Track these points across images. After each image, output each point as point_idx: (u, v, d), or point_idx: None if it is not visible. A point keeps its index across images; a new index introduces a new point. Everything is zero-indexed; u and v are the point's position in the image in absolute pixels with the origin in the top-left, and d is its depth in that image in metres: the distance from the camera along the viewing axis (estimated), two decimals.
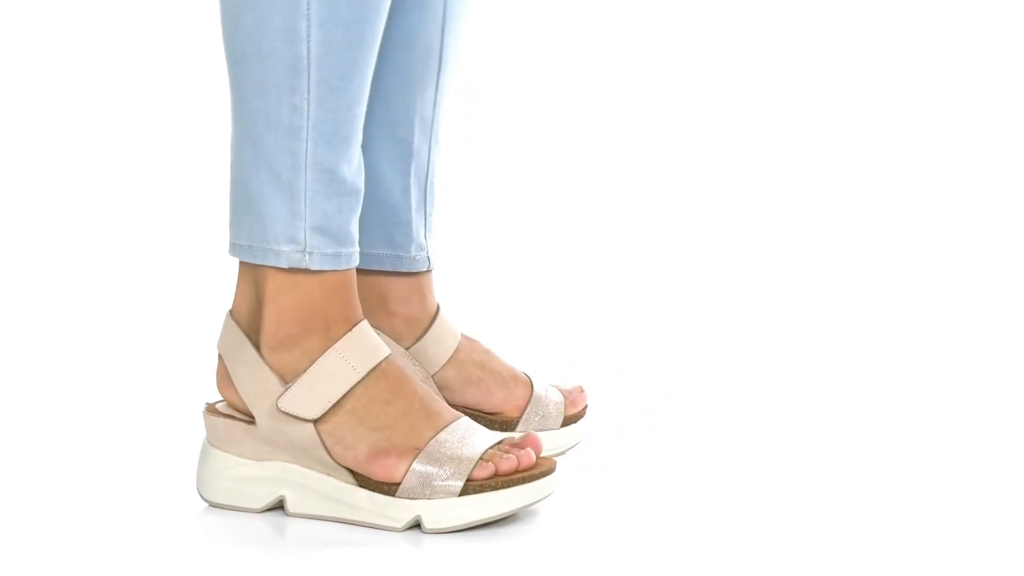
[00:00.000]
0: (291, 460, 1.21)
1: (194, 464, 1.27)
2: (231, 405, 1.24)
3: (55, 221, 2.24)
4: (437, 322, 1.35)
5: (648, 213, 2.28)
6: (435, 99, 1.33)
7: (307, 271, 1.20)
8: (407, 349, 1.34)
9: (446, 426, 1.20)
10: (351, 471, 1.20)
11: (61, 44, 2.31)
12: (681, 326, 1.96)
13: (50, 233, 2.22)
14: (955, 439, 1.48)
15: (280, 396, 1.20)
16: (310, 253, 1.19)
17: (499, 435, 1.22)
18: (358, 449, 1.20)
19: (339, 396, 1.20)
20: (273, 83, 1.17)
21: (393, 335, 1.34)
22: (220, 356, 1.24)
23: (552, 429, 1.36)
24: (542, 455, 1.23)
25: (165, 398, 1.60)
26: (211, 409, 1.25)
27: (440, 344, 1.35)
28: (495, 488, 1.18)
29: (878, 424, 1.53)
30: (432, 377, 1.34)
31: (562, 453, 1.38)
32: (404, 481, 1.18)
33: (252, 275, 1.22)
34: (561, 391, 1.40)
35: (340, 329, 1.21)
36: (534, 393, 1.37)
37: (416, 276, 1.35)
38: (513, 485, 1.19)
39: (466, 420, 1.22)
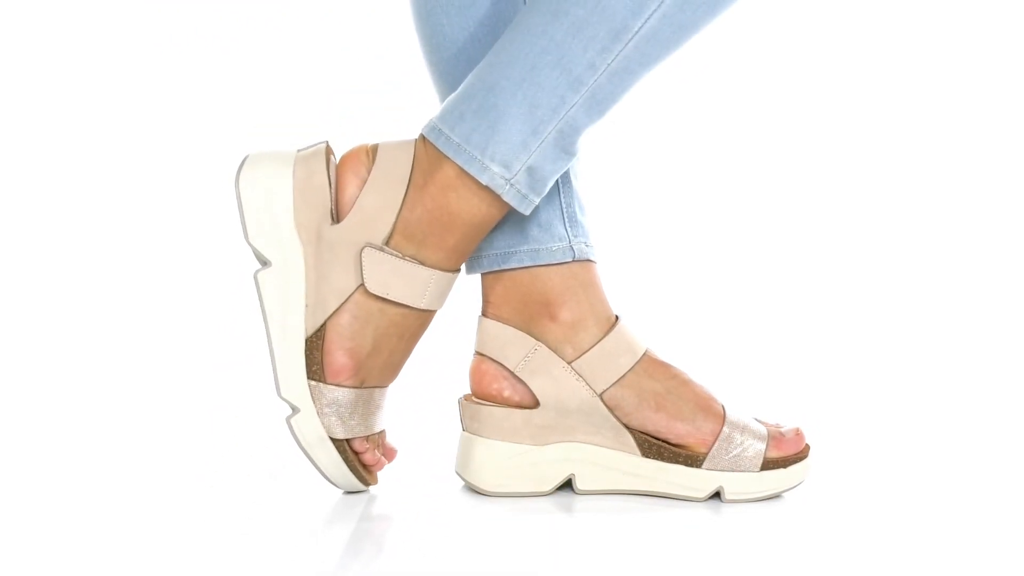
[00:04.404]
0: (311, 260, 1.22)
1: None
2: (337, 183, 1.23)
3: (57, 221, 2.24)
4: (609, 336, 1.28)
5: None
6: None
7: (490, 193, 1.22)
8: (570, 363, 1.27)
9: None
10: (312, 330, 1.22)
11: (61, 44, 2.31)
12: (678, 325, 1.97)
13: (52, 233, 2.22)
14: (955, 439, 1.48)
15: (372, 249, 1.22)
16: (511, 185, 1.22)
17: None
18: (348, 335, 1.22)
19: (400, 301, 1.22)
20: (590, 34, 1.20)
21: (554, 344, 1.28)
22: (375, 151, 1.24)
23: (748, 471, 1.27)
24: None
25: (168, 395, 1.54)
26: (328, 155, 1.24)
27: (610, 361, 1.27)
28: None
29: (879, 425, 1.54)
30: (600, 396, 1.27)
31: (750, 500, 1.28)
32: (330, 390, 1.22)
33: (432, 155, 1.23)
34: (769, 429, 1.29)
35: (455, 263, 1.24)
36: (723, 430, 1.27)
37: (568, 271, 1.29)
38: None
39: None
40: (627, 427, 1.27)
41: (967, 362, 1.85)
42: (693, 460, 1.27)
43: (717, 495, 1.27)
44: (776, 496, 1.28)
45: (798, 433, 1.29)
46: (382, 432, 1.28)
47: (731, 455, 1.27)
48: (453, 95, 1.24)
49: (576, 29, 1.20)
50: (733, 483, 1.27)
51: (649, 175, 2.33)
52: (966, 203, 2.30)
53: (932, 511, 1.26)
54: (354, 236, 1.23)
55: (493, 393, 1.29)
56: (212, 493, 1.28)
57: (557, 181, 1.30)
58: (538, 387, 1.28)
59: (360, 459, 1.26)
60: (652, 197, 2.31)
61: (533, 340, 1.28)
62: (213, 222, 2.15)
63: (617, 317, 1.30)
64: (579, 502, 1.27)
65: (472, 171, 1.21)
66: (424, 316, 1.25)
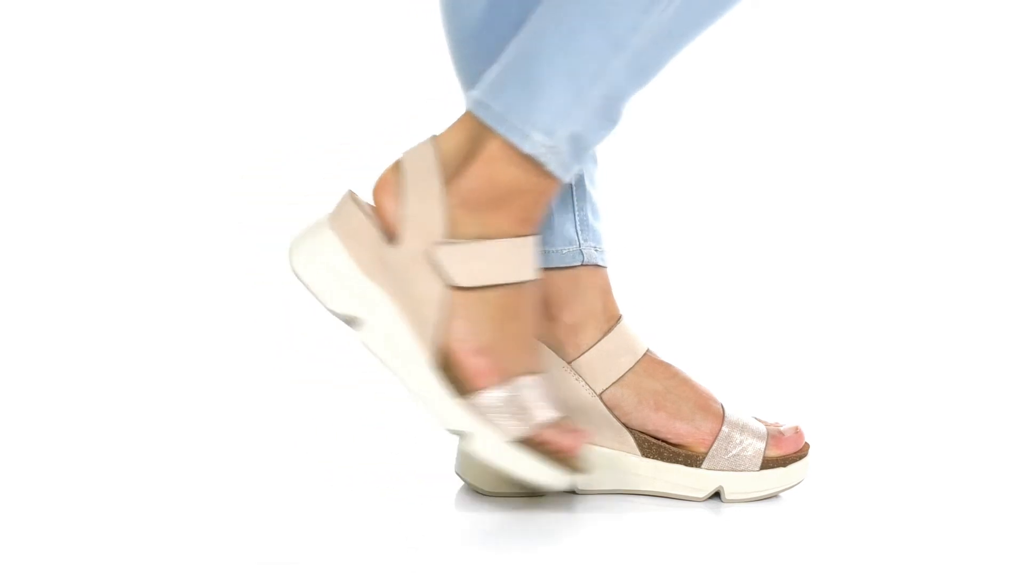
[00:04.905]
0: (390, 291, 1.18)
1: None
2: (378, 210, 1.21)
3: (59, 220, 2.24)
4: (610, 336, 1.28)
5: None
6: None
7: (536, 167, 1.19)
8: (570, 363, 1.28)
9: (536, 372, 1.21)
10: (431, 353, 1.19)
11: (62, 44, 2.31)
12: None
13: (55, 232, 2.22)
14: (955, 438, 1.48)
15: (441, 246, 1.18)
16: (555, 153, 1.19)
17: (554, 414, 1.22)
18: (468, 337, 1.19)
19: (493, 283, 1.19)
20: None
21: (555, 344, 1.28)
22: (398, 165, 1.22)
23: (747, 471, 1.27)
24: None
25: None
26: (355, 198, 1.21)
27: (609, 360, 1.27)
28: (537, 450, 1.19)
29: (879, 423, 1.53)
30: (600, 395, 1.27)
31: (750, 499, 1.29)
32: (483, 396, 1.18)
33: (478, 130, 1.20)
34: (769, 428, 1.29)
35: (527, 228, 1.21)
36: (723, 429, 1.28)
37: (574, 274, 1.29)
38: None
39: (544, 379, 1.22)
40: (627, 427, 1.27)
41: (967, 361, 1.84)
42: (693, 460, 1.27)
43: (717, 495, 1.27)
44: (776, 495, 1.28)
45: (797, 431, 1.29)
46: (564, 418, 1.23)
47: (731, 454, 1.27)
48: (495, 66, 1.21)
49: None
50: (733, 482, 1.27)
51: (648, 176, 2.33)
52: (966, 203, 2.30)
53: (932, 510, 1.26)
54: (417, 246, 1.19)
55: None
56: (209, 495, 1.29)
57: (571, 186, 1.30)
58: None
59: (555, 449, 1.20)
60: (652, 198, 2.31)
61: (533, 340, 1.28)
62: (207, 226, 2.15)
63: (619, 318, 1.30)
64: (579, 502, 1.27)
65: (514, 140, 1.18)
66: (524, 288, 1.21)
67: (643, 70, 1.19)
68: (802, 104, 2.37)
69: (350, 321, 1.19)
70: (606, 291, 1.30)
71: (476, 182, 1.19)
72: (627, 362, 1.28)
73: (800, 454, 1.29)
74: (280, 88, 2.31)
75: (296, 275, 1.20)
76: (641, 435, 1.27)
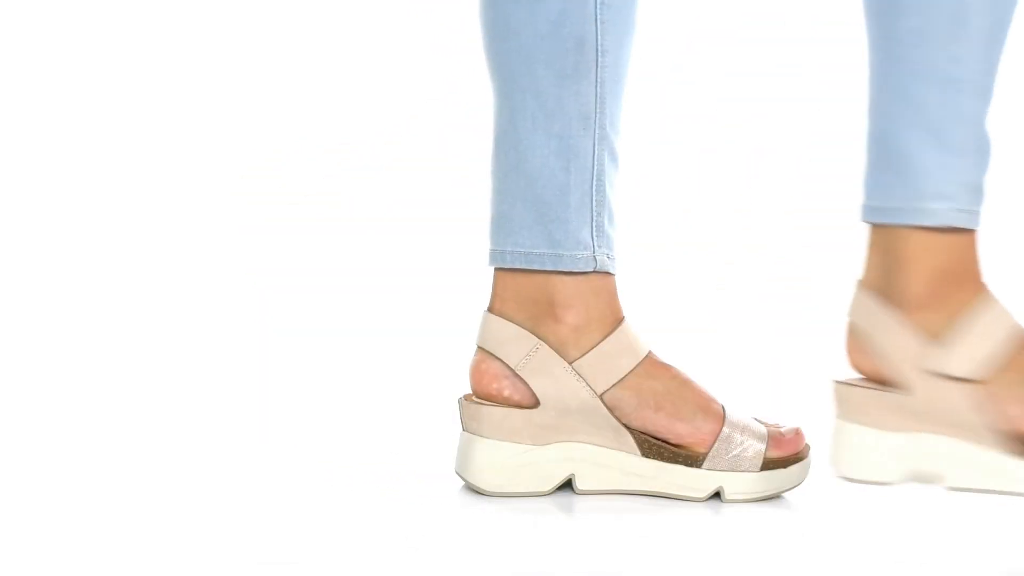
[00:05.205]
0: (938, 430, 1.20)
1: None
2: (865, 374, 1.23)
3: (63, 220, 2.24)
4: (611, 338, 1.28)
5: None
6: (596, 93, 1.29)
7: (952, 230, 1.19)
8: (571, 363, 1.27)
9: None
10: (1006, 449, 1.20)
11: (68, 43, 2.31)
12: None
13: (57, 231, 2.22)
14: None
15: (932, 358, 1.20)
16: (960, 211, 1.19)
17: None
18: (1021, 408, 1.20)
19: (990, 350, 1.20)
20: (934, 33, 1.17)
21: (558, 345, 1.28)
22: (851, 326, 1.24)
23: (748, 471, 1.27)
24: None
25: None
26: (841, 382, 1.24)
27: (609, 361, 1.27)
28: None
29: None
30: (601, 396, 1.27)
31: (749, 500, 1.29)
32: None
33: (887, 238, 1.21)
34: (769, 429, 1.29)
35: (980, 281, 1.22)
36: (723, 430, 1.28)
37: (584, 278, 1.29)
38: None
39: None
40: (627, 427, 1.27)
41: None
42: (693, 460, 1.27)
43: (717, 495, 1.27)
44: (776, 496, 1.28)
45: (798, 433, 1.30)
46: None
47: (731, 455, 1.27)
48: (866, 177, 1.23)
49: (918, 39, 1.18)
50: (733, 483, 1.27)
51: (648, 177, 2.32)
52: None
53: (932, 510, 1.26)
54: (922, 377, 1.21)
55: (493, 392, 1.29)
56: (209, 495, 1.29)
57: (591, 191, 1.29)
58: (539, 386, 1.28)
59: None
60: (652, 199, 2.31)
61: (535, 339, 1.28)
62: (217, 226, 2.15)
63: (621, 320, 1.30)
64: (579, 502, 1.27)
65: (920, 222, 1.19)
66: (1016, 329, 1.22)
67: (982, 87, 1.20)
68: (802, 106, 2.37)
69: (924, 479, 1.21)
70: (612, 295, 1.30)
71: (920, 285, 1.21)
72: (628, 363, 1.28)
73: (800, 455, 1.29)
74: (280, 88, 2.31)
75: (854, 481, 1.23)
76: (642, 436, 1.28)
